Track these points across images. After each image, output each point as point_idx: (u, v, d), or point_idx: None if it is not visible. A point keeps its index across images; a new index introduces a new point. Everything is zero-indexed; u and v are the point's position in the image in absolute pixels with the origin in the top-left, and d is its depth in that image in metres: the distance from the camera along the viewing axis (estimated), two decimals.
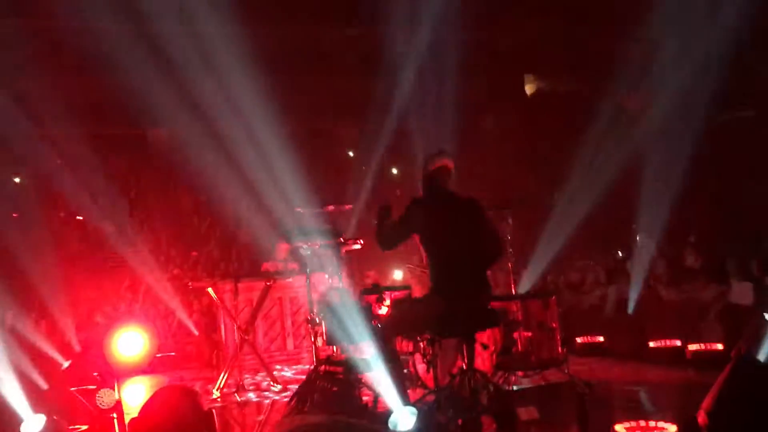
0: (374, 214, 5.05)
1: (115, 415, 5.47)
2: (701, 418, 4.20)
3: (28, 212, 14.33)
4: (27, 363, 7.12)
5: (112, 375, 8.09)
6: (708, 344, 6.69)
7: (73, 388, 5.85)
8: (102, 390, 5.79)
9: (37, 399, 5.83)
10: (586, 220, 13.13)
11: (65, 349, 8.87)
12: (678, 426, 4.13)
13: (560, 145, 15.00)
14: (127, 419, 5.44)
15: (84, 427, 5.16)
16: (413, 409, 4.23)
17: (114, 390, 6.27)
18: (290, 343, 9.38)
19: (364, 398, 5.28)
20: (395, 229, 4.86)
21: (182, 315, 10.41)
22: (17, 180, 15.46)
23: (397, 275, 11.39)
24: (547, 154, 15.17)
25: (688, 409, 4.38)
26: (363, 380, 5.24)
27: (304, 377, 6.01)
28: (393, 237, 4.90)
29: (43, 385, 6.25)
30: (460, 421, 4.53)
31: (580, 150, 15.25)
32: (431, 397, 4.95)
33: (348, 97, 16.06)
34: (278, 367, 8.50)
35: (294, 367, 8.68)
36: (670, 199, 9.64)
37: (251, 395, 7.07)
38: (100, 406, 5.61)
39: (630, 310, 7.62)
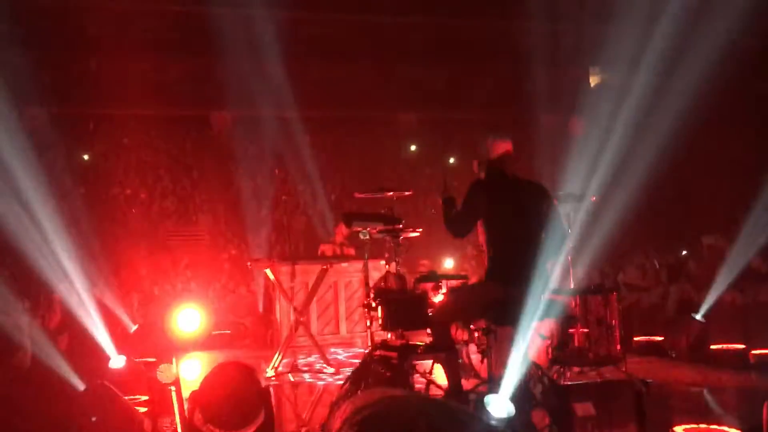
0: (439, 206, 4.98)
1: (173, 389, 5.61)
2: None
3: (95, 189, 14.78)
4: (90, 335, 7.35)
5: (171, 350, 8.34)
6: None
7: (136, 360, 6.03)
8: (162, 364, 5.95)
9: (99, 369, 6.02)
10: (647, 216, 12.85)
11: (128, 323, 9.13)
12: (741, 431, 4.01)
13: (625, 138, 14.67)
14: (184, 393, 5.58)
15: (143, 398, 5.30)
16: (511, 408, 4.14)
17: (173, 364, 6.44)
18: (344, 328, 9.45)
19: (417, 385, 5.28)
20: (463, 215, 4.77)
21: (239, 295, 10.59)
22: (86, 157, 15.92)
23: (449, 264, 11.35)
24: (610, 147, 14.84)
25: (752, 414, 4.25)
26: (417, 367, 5.25)
27: (356, 361, 6.05)
28: (463, 224, 4.81)
29: (112, 353, 6.44)
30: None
31: (643, 144, 14.89)
32: (484, 388, 4.93)
33: (409, 86, 16.00)
34: (331, 350, 8.57)
35: (347, 350, 8.74)
36: (739, 197, 9.34)
37: (305, 376, 7.15)
38: (159, 379, 5.76)
39: (700, 315, 7.39)
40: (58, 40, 14.20)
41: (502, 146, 4.83)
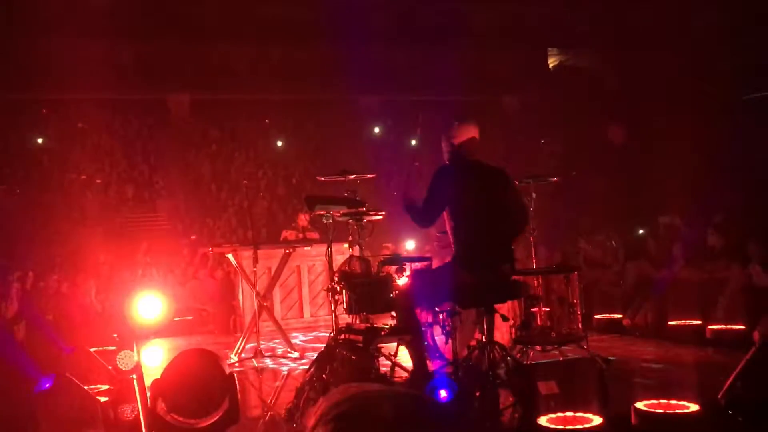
0: (401, 203, 4.95)
1: (134, 376, 5.53)
2: (724, 399, 4.18)
3: (49, 174, 14.43)
4: (48, 323, 7.20)
5: (132, 337, 8.21)
6: (729, 324, 6.64)
7: (93, 349, 5.92)
8: (122, 351, 5.86)
9: (58, 359, 5.91)
10: (605, 196, 13.06)
11: (87, 310, 8.97)
12: (700, 405, 4.10)
13: (583, 121, 14.86)
14: (146, 381, 5.50)
15: (104, 387, 5.21)
16: (453, 384, 4.22)
17: (133, 352, 6.34)
18: (307, 312, 9.43)
19: (382, 368, 5.29)
20: (428, 203, 4.75)
21: (200, 280, 10.47)
22: (39, 141, 15.54)
23: (412, 246, 11.37)
24: (568, 129, 15.01)
25: (709, 389, 4.36)
26: (382, 350, 5.25)
27: (321, 345, 6.03)
28: (429, 212, 4.80)
29: (64, 345, 6.31)
30: (477, 394, 4.53)
31: (602, 126, 15.09)
32: (449, 369, 4.95)
33: (371, 67, 15.92)
34: (295, 334, 8.54)
35: (310, 335, 8.73)
36: (694, 177, 9.53)
37: (268, 361, 7.12)
38: (120, 367, 5.68)
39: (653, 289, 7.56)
40: (8, 22, 13.78)
41: (467, 132, 4.82)
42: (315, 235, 9.16)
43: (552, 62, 20.29)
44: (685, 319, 7.09)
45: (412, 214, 4.81)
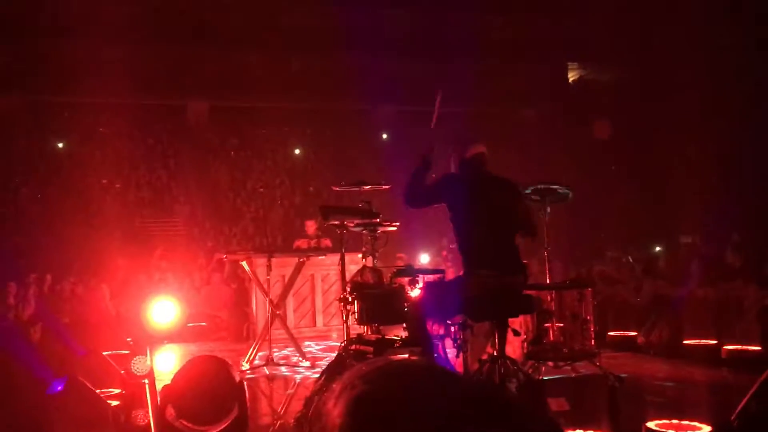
0: (416, 164, 4.92)
1: (147, 381, 5.55)
2: (737, 420, 4.12)
3: (69, 178, 14.58)
4: (64, 326, 7.26)
5: (146, 342, 8.25)
6: (745, 345, 6.56)
7: (106, 353, 5.95)
8: (136, 356, 5.88)
9: (71, 361, 5.95)
10: (623, 212, 12.99)
11: (102, 314, 9.03)
12: (713, 427, 4.05)
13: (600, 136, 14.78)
14: (158, 386, 5.52)
15: (116, 391, 5.24)
16: None
17: (147, 356, 6.37)
18: (320, 321, 9.43)
19: None
20: (427, 189, 4.78)
21: (214, 287, 10.52)
22: (60, 146, 15.71)
23: (425, 259, 11.36)
24: (587, 144, 14.95)
25: (722, 410, 4.31)
26: None
27: (332, 355, 6.03)
28: (422, 196, 4.83)
29: (79, 348, 6.36)
30: None
31: (619, 141, 15.02)
32: None
33: (389, 78, 15.94)
34: (307, 343, 8.55)
35: (323, 344, 8.73)
36: (713, 195, 9.46)
37: (280, 369, 7.12)
38: (133, 371, 5.70)
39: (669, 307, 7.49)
40: (32, 27, 13.97)
41: (476, 148, 4.86)
42: (327, 242, 9.18)
43: (572, 76, 20.24)
44: (701, 339, 7.02)
45: (411, 181, 4.79)
